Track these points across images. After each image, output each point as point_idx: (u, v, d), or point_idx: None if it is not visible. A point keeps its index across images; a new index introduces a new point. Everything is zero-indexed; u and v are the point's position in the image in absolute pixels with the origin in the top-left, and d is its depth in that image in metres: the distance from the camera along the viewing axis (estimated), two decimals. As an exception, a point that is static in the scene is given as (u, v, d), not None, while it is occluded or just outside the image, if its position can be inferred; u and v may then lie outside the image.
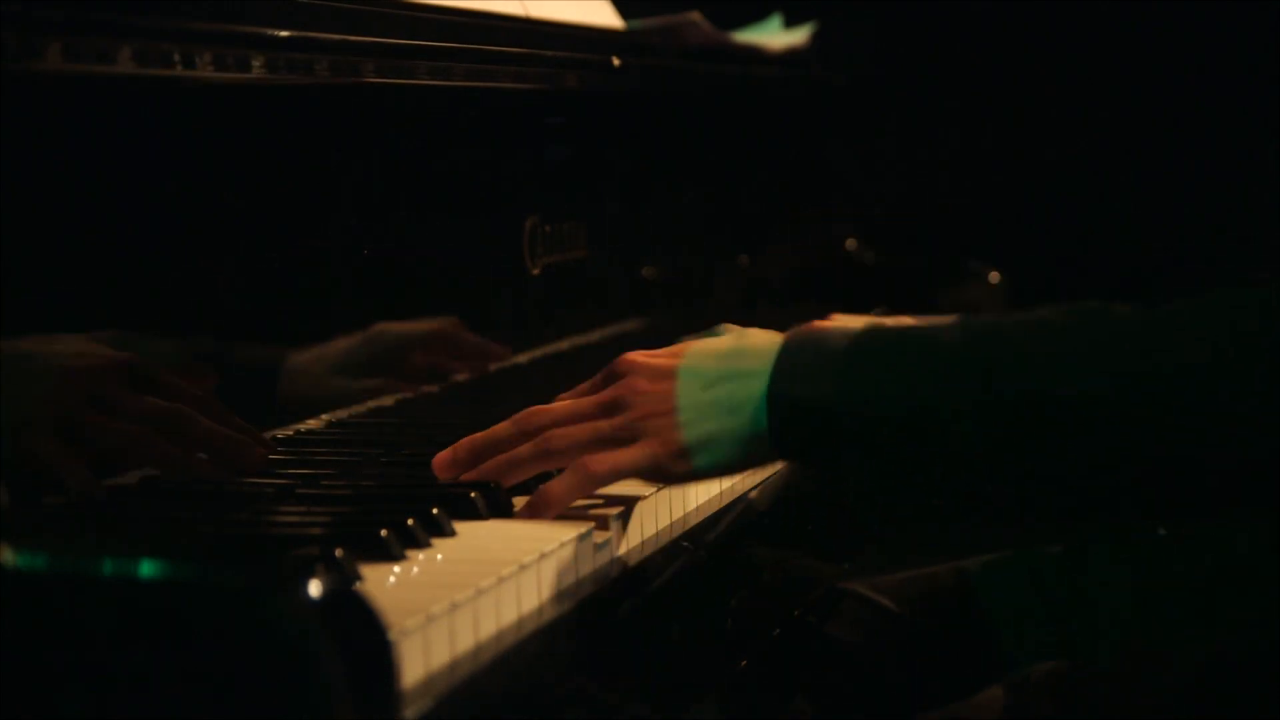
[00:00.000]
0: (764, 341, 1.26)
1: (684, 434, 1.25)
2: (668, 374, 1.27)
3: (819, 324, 1.29)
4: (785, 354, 1.24)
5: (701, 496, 1.44)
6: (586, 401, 1.30)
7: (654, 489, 1.33)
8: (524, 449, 1.29)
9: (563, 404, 1.31)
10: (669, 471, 1.26)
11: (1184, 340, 1.16)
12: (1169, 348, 1.16)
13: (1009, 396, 1.17)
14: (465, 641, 1.04)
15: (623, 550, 1.28)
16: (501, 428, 1.31)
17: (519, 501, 1.30)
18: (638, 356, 1.30)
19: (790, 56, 2.50)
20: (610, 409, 1.28)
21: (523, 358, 1.86)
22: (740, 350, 1.26)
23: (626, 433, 1.26)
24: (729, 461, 1.26)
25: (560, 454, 1.28)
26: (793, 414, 1.22)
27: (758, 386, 1.23)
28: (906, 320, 1.75)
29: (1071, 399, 1.16)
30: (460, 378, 1.75)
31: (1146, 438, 1.15)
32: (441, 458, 1.31)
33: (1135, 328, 1.18)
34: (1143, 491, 1.18)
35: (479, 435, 1.32)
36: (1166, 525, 1.48)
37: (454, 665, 1.02)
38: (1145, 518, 1.41)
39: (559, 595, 1.16)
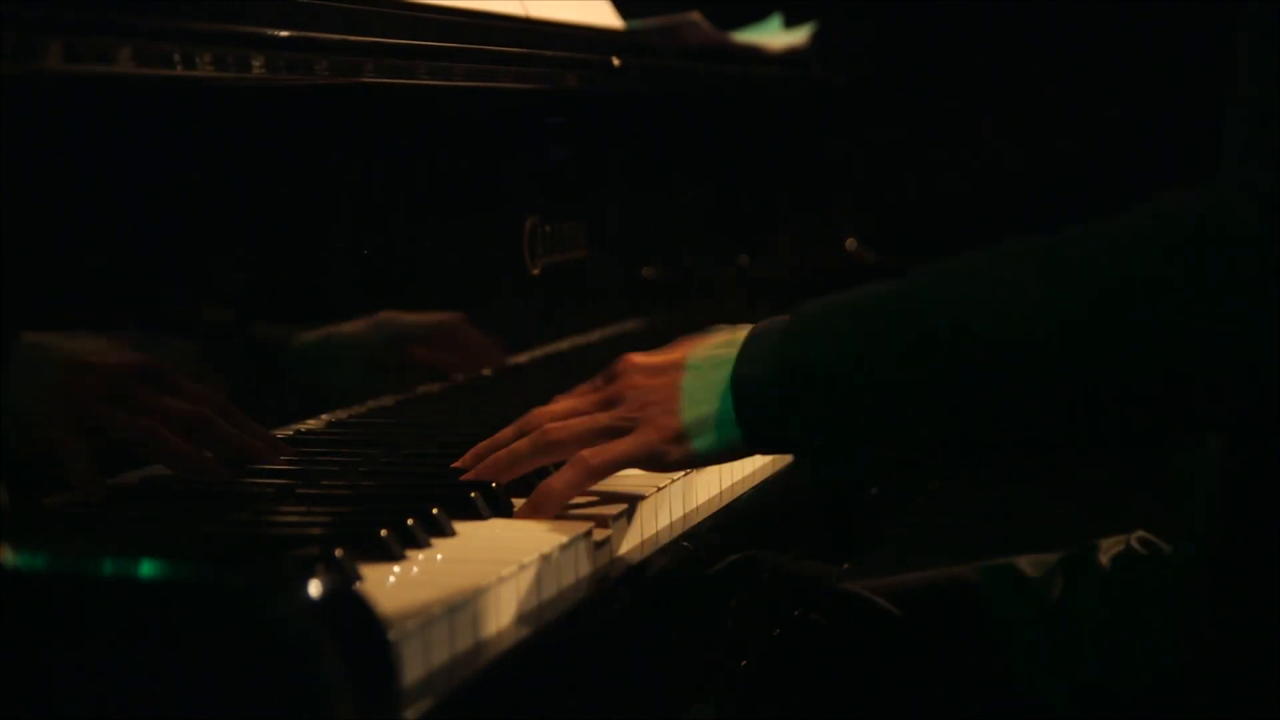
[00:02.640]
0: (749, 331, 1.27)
1: (681, 418, 1.26)
2: (667, 368, 1.28)
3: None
4: (746, 338, 1.25)
5: (701, 496, 1.44)
6: (586, 398, 1.31)
7: (654, 488, 1.33)
8: (522, 443, 1.30)
9: (562, 402, 1.32)
10: (666, 457, 1.27)
11: (1094, 266, 1.15)
12: (1080, 274, 1.15)
13: (935, 336, 1.17)
14: (465, 641, 1.04)
15: (623, 550, 1.28)
16: (504, 432, 1.33)
17: (519, 502, 1.30)
18: (636, 356, 1.31)
19: (790, 56, 2.49)
20: (609, 403, 1.29)
21: (523, 358, 1.86)
22: (732, 339, 1.27)
23: (625, 423, 1.27)
24: (722, 445, 1.26)
25: (558, 445, 1.29)
26: (749, 396, 1.24)
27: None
28: None
29: (993, 332, 1.15)
30: (459, 378, 1.75)
31: (1070, 366, 1.14)
32: (455, 469, 1.33)
33: (1053, 253, 1.17)
34: (1078, 421, 1.17)
35: (484, 441, 1.33)
36: (1114, 452, 1.47)
37: (454, 665, 1.02)
38: (1089, 448, 1.41)
39: (559, 595, 1.16)
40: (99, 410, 1.26)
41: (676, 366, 1.28)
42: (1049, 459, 1.37)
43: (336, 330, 1.58)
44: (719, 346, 1.28)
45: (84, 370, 1.26)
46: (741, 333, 1.28)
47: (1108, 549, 1.51)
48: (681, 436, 1.26)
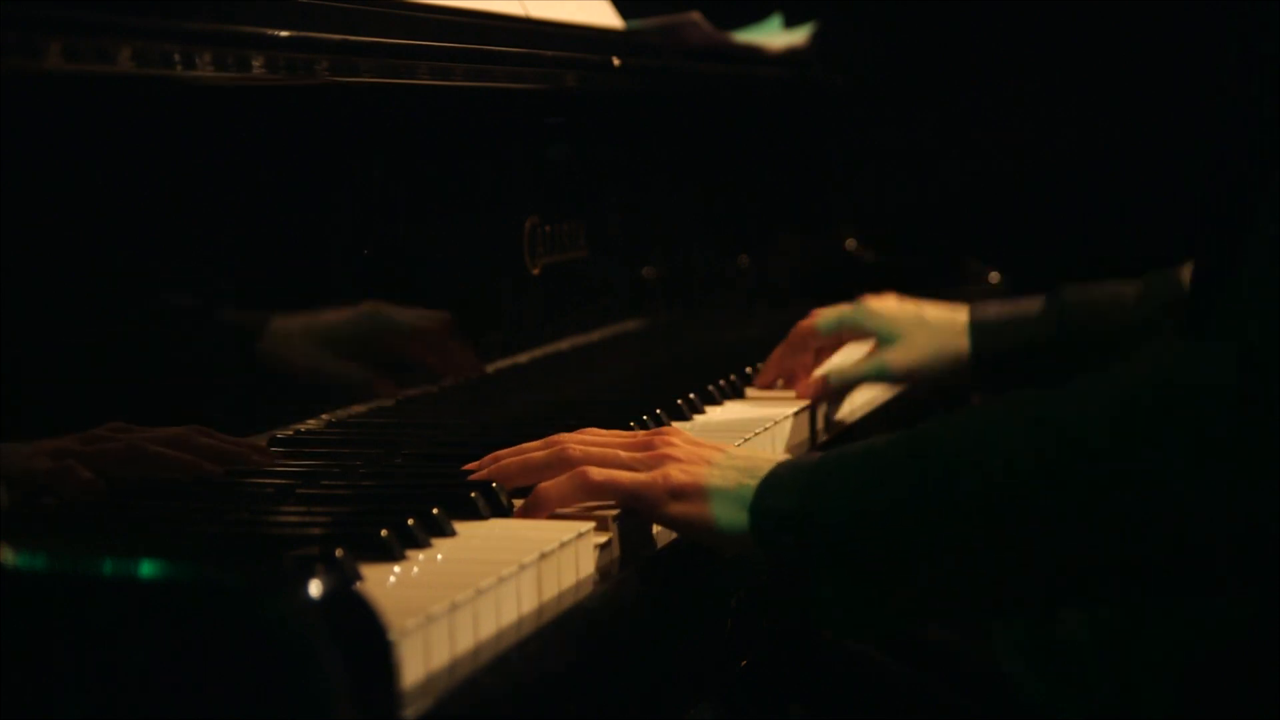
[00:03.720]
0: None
1: (699, 479, 1.26)
2: (707, 444, 1.30)
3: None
4: (774, 470, 1.26)
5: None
6: (619, 435, 1.34)
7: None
8: (539, 453, 1.32)
9: (596, 433, 1.35)
10: (658, 507, 1.27)
11: (1083, 428, 1.14)
12: (1066, 439, 1.15)
13: (935, 500, 1.17)
14: (465, 641, 1.04)
15: (623, 550, 1.28)
16: (530, 444, 1.35)
17: (521, 501, 1.30)
18: (683, 431, 1.34)
19: (790, 56, 2.50)
20: (639, 447, 1.31)
21: (523, 358, 1.86)
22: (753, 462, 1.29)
23: (642, 465, 1.28)
24: (718, 521, 1.26)
25: (572, 463, 1.29)
26: (764, 518, 1.24)
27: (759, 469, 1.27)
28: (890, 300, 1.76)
29: (975, 492, 1.16)
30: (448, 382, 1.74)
31: (1060, 526, 1.14)
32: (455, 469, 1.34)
33: (1039, 415, 1.17)
34: (1076, 581, 1.18)
35: (507, 449, 1.35)
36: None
37: (454, 665, 1.02)
38: (1087, 603, 1.42)
39: (559, 595, 1.16)
40: (75, 449, 1.26)
41: (717, 449, 1.30)
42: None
43: (328, 328, 1.57)
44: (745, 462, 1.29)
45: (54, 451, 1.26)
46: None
47: None
48: (683, 493, 1.26)
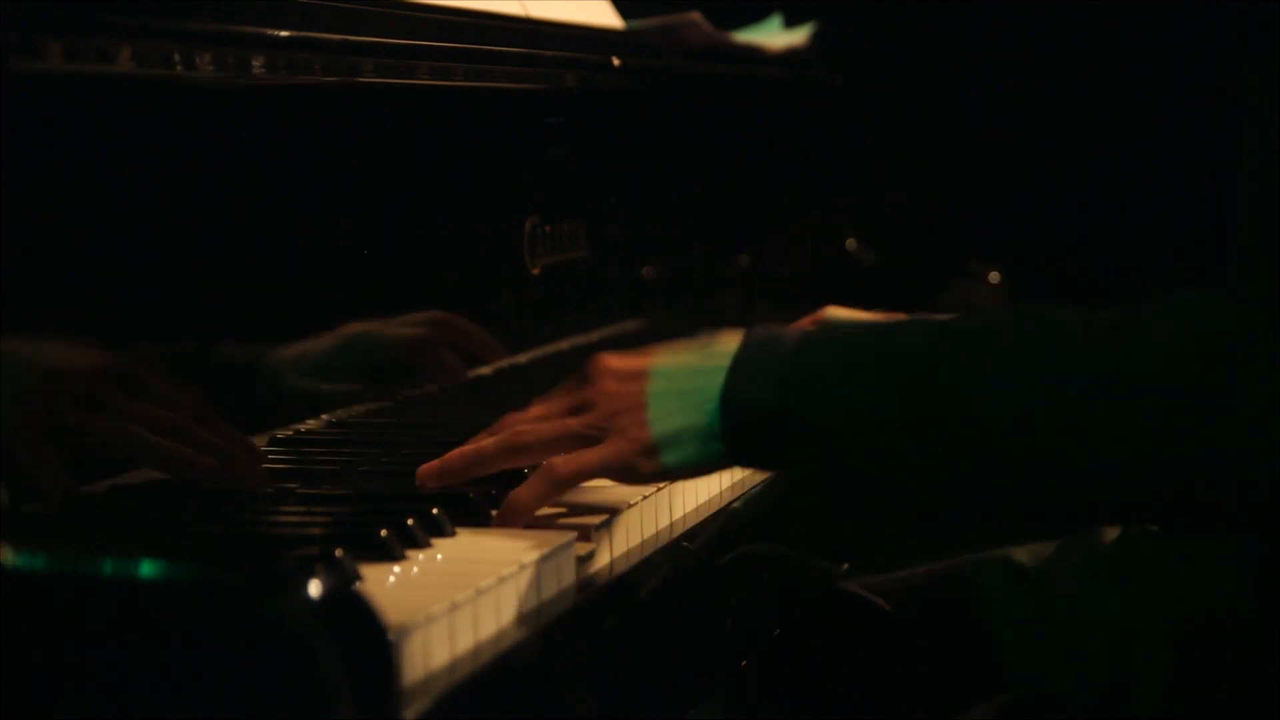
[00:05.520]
0: (730, 342, 1.25)
1: (651, 430, 1.24)
2: (638, 374, 1.27)
3: (780, 325, 1.28)
4: (741, 355, 1.23)
5: (703, 495, 1.44)
6: (558, 402, 1.30)
7: (655, 487, 1.33)
8: (490, 443, 1.29)
9: (536, 406, 1.31)
10: (637, 469, 1.25)
11: (1119, 353, 1.14)
12: (1103, 361, 1.14)
13: (940, 402, 1.16)
14: (465, 641, 1.04)
15: (623, 550, 1.28)
16: (479, 436, 1.31)
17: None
18: (609, 358, 1.29)
19: (790, 56, 2.49)
20: (580, 409, 1.28)
21: (523, 357, 1.86)
22: (708, 350, 1.26)
23: (595, 431, 1.26)
24: (696, 459, 1.25)
25: (527, 449, 1.27)
26: (742, 417, 1.22)
27: (719, 383, 1.23)
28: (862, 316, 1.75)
29: (990, 409, 1.15)
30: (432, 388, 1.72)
31: (1081, 454, 1.14)
32: (428, 469, 1.31)
33: (1073, 337, 1.16)
34: (1081, 507, 1.17)
35: (458, 448, 1.31)
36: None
37: (454, 665, 1.02)
38: (1076, 522, 1.41)
39: (560, 594, 1.16)
40: (72, 417, 1.24)
41: (644, 374, 1.26)
42: (1038, 521, 1.39)
43: (314, 354, 1.56)
44: (693, 355, 1.26)
45: (53, 376, 1.24)
46: (715, 341, 1.27)
47: (1107, 534, 1.51)
48: (653, 449, 1.24)
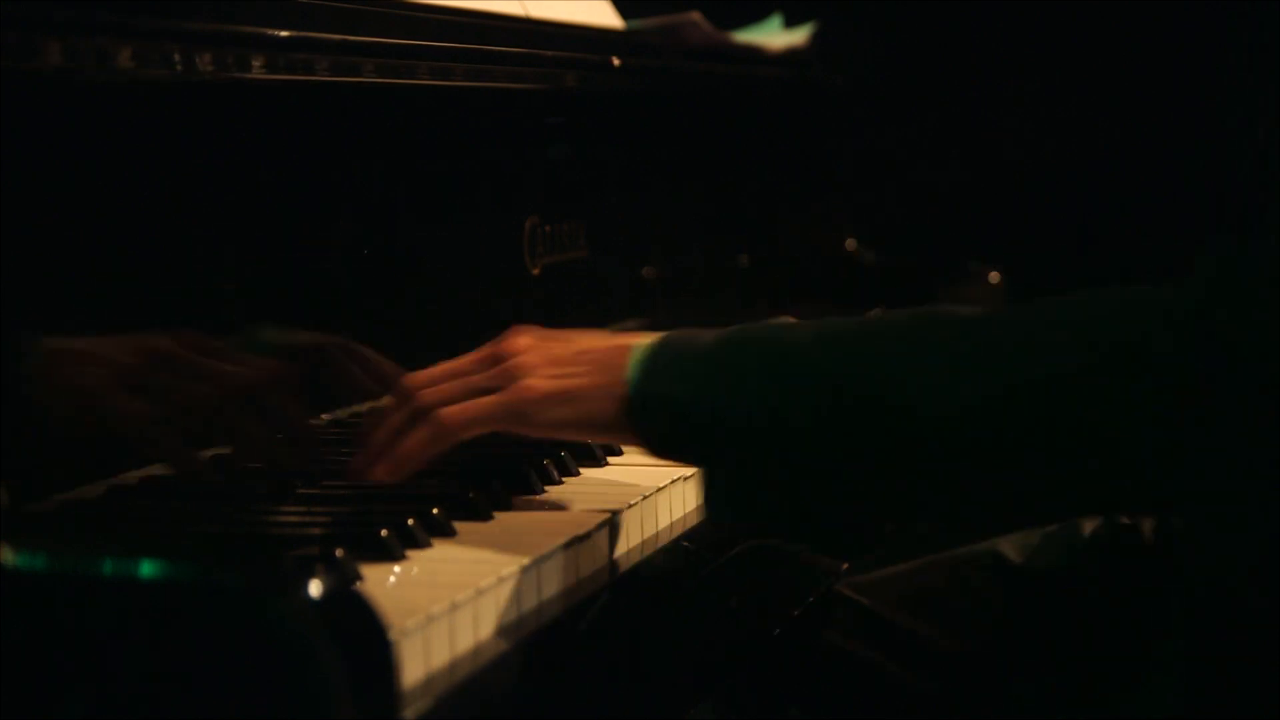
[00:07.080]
0: (643, 336, 1.25)
1: (552, 382, 1.23)
2: (550, 335, 1.26)
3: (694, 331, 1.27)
4: (657, 347, 1.22)
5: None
6: (462, 359, 1.28)
7: (655, 488, 1.33)
8: (396, 416, 1.27)
9: (440, 365, 1.29)
10: (529, 418, 1.23)
11: (1017, 352, 1.13)
12: (1010, 358, 1.13)
13: (849, 406, 1.15)
14: (465, 641, 1.04)
15: (623, 550, 1.28)
16: (385, 403, 1.29)
17: (520, 500, 1.30)
18: (527, 326, 1.28)
19: (790, 56, 2.49)
20: (486, 363, 1.26)
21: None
22: (622, 331, 1.26)
23: (494, 383, 1.24)
24: (591, 418, 1.23)
25: (429, 412, 1.25)
26: (652, 406, 1.21)
27: (628, 356, 1.22)
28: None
29: (905, 408, 1.14)
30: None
31: (990, 449, 1.13)
32: (355, 461, 1.29)
33: (982, 335, 1.15)
34: (986, 501, 1.17)
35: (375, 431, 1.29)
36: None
37: (454, 665, 1.02)
38: (994, 524, 1.41)
39: (559, 595, 1.16)
40: (117, 399, 1.24)
41: (557, 337, 1.25)
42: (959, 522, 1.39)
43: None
44: (605, 333, 1.26)
45: (104, 359, 1.23)
46: (631, 336, 1.26)
47: (1088, 526, 1.51)
48: (548, 399, 1.22)
